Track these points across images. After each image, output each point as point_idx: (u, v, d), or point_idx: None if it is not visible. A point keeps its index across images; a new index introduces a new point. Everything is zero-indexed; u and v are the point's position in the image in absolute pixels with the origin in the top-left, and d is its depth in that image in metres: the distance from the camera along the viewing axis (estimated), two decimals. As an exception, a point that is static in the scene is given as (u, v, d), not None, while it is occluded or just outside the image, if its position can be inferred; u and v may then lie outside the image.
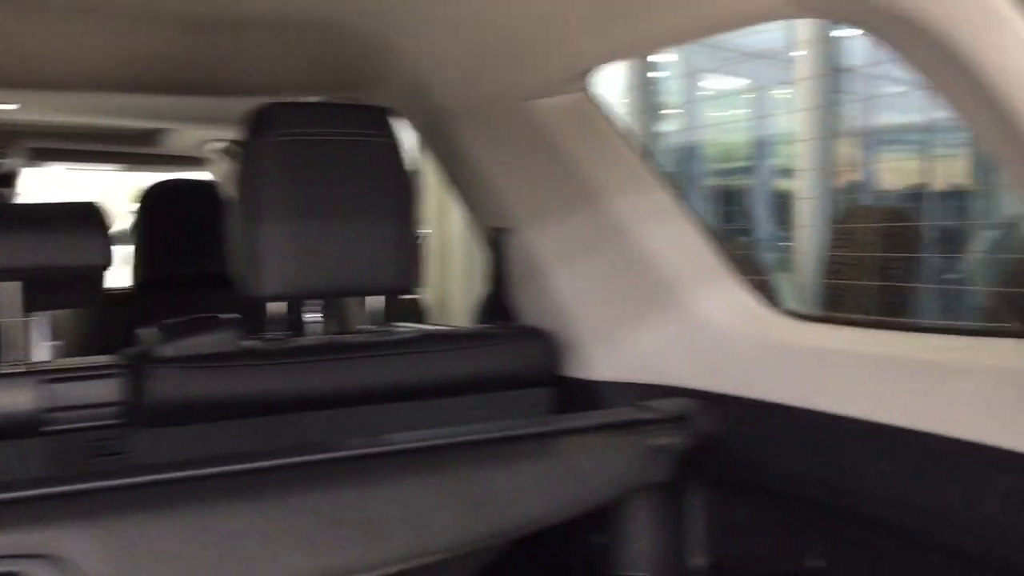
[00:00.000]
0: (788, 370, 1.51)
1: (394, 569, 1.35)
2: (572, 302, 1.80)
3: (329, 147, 1.61)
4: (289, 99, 2.19)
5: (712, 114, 9.59)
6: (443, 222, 6.39)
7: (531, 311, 1.89)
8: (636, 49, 1.61)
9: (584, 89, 1.72)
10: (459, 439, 1.45)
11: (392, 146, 1.66)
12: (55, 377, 1.47)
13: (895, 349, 1.42)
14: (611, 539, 1.72)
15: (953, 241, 6.50)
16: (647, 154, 1.78)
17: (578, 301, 1.80)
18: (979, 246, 6.55)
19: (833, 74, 6.82)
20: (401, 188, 1.66)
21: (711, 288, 1.69)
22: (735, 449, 1.58)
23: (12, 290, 1.52)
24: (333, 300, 1.84)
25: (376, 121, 1.67)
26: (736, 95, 9.55)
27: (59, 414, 1.46)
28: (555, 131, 1.73)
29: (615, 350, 1.76)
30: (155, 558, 1.18)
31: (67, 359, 1.69)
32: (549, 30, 1.50)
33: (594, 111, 1.73)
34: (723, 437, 1.58)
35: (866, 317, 5.39)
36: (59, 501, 1.18)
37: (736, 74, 9.13)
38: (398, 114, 1.93)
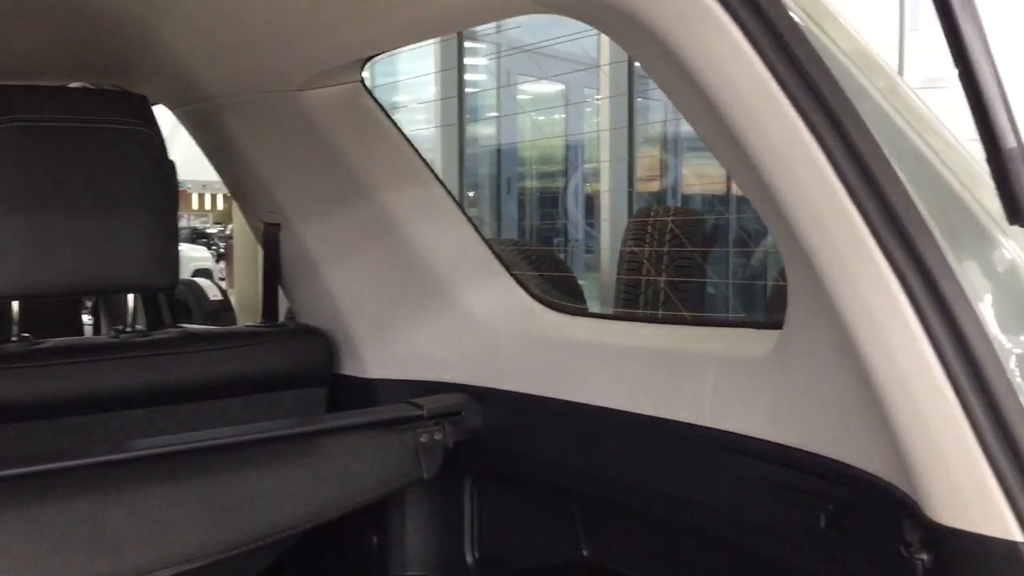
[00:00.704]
0: (549, 363, 1.53)
1: None
2: (346, 299, 1.77)
3: (72, 134, 1.50)
4: (52, 84, 2.05)
5: (530, 118, 9.77)
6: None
7: (307, 309, 1.84)
8: (403, 39, 1.59)
9: (357, 80, 1.68)
10: (212, 442, 1.39)
11: (149, 136, 1.57)
12: None
13: (647, 340, 1.47)
14: (385, 537, 1.70)
15: (746, 240, 6.88)
16: (419, 149, 1.77)
17: (352, 298, 1.76)
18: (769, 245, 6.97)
19: (640, 79, 7.08)
20: (160, 180, 1.57)
21: (481, 284, 1.70)
22: (503, 443, 1.59)
23: None
24: (112, 300, 1.73)
25: (131, 109, 1.58)
26: (552, 100, 9.77)
27: None
28: (326, 123, 1.69)
29: (388, 347, 1.74)
30: None
31: None
32: (319, 16, 1.46)
33: (367, 103, 1.70)
34: (491, 432, 1.59)
35: (627, 311, 5.62)
36: None
37: (552, 79, 9.34)
38: (160, 101, 1.84)
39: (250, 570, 1.68)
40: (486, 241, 1.74)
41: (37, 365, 1.46)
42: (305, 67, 1.63)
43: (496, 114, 9.37)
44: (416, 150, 1.76)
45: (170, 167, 1.62)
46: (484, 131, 9.33)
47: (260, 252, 1.88)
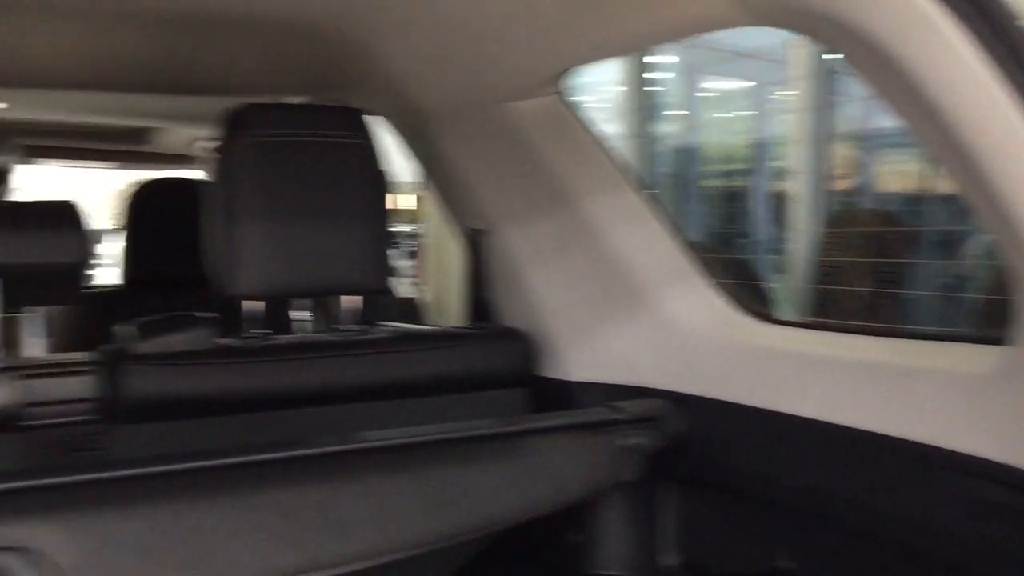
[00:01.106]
0: (755, 373, 1.52)
1: (363, 565, 1.37)
2: (547, 303, 1.82)
3: (303, 148, 1.63)
4: (270, 100, 2.22)
5: (712, 115, 9.60)
6: (441, 221, 6.40)
7: (508, 311, 1.91)
8: (604, 53, 1.63)
9: (558, 92, 1.73)
10: (430, 437, 1.47)
11: (366, 147, 1.68)
12: (34, 373, 1.50)
13: (859, 353, 1.43)
14: (585, 537, 1.74)
15: (949, 246, 6.50)
16: (620, 156, 1.80)
17: (553, 302, 1.82)
18: (976, 251, 6.56)
19: (829, 75, 6.83)
20: (375, 189, 1.68)
21: (682, 290, 1.71)
22: (704, 449, 1.60)
23: None
24: (322, 299, 1.86)
25: (351, 122, 1.69)
26: (736, 96, 9.56)
27: (37, 409, 1.48)
28: (530, 133, 1.75)
29: (588, 351, 1.78)
30: (128, 552, 1.21)
31: (48, 355, 1.71)
32: (521, 33, 1.52)
33: (568, 114, 1.75)
34: (692, 437, 1.60)
35: (834, 321, 5.40)
36: (35, 495, 1.21)
37: (736, 75, 9.14)
38: (376, 114, 1.95)
39: (456, 562, 1.77)
40: (688, 247, 1.75)
41: (271, 360, 1.60)
42: (509, 80, 1.69)
43: (679, 112, 9.27)
44: (615, 158, 1.79)
45: (383, 177, 1.72)
46: (667, 129, 9.25)
47: (451, 253, 1.96)
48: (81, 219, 1.61)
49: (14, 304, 1.62)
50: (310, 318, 1.82)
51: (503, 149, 1.79)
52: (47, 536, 1.17)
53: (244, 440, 1.57)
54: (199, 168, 3.76)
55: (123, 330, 1.59)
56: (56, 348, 2.55)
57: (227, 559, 1.27)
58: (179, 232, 2.63)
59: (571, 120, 1.76)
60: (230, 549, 1.27)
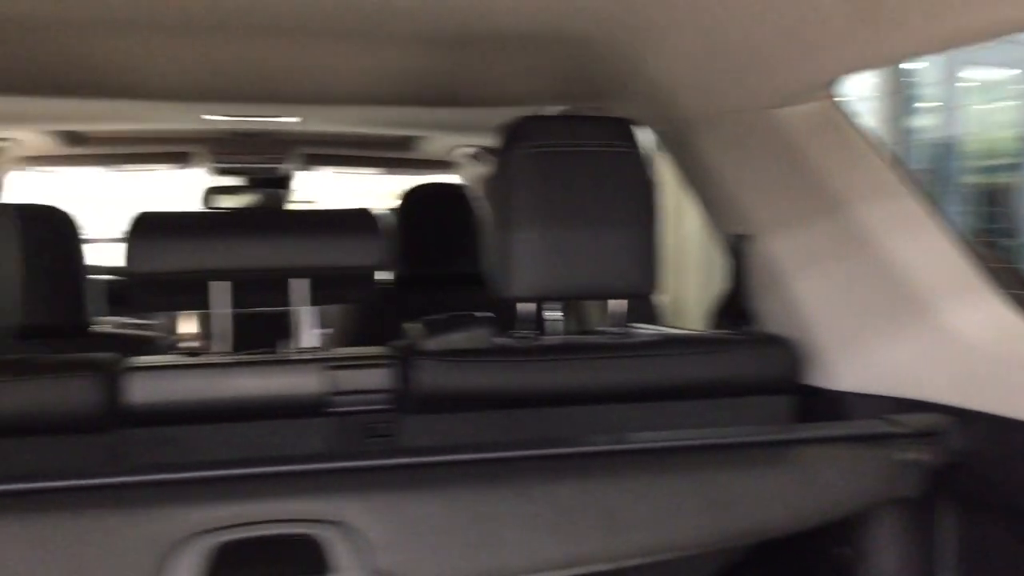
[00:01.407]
0: None
1: (633, 562, 1.41)
2: (815, 311, 1.79)
3: (575, 158, 1.69)
4: (534, 110, 2.31)
5: (972, 106, 8.93)
6: (678, 226, 6.38)
7: (771, 318, 1.89)
8: (883, 59, 1.57)
9: (830, 96, 1.70)
10: (705, 441, 1.49)
11: (635, 156, 1.72)
12: (336, 365, 1.66)
13: None
14: (855, 552, 1.69)
15: None
16: (898, 161, 1.74)
17: (821, 310, 1.78)
18: None
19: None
20: (643, 196, 1.72)
21: (965, 300, 1.63)
22: (989, 468, 1.51)
23: (302, 286, 1.73)
24: (573, 301, 1.94)
25: (620, 132, 1.74)
26: (999, 85, 8.84)
27: (338, 398, 1.64)
28: (799, 139, 1.72)
29: (860, 361, 1.73)
30: (425, 531, 1.32)
31: (345, 349, 1.88)
32: (794, 39, 1.50)
33: (840, 119, 1.71)
34: (976, 455, 1.52)
35: None
36: (349, 475, 1.34)
37: (999, 62, 8.45)
38: (640, 123, 1.99)
39: (720, 568, 1.78)
40: (973, 255, 1.66)
41: (543, 359, 1.68)
42: (779, 86, 1.68)
43: (935, 103, 8.69)
44: (893, 162, 1.73)
45: (652, 184, 1.76)
46: (922, 122, 8.69)
47: (688, 255, 1.96)
48: (377, 226, 1.76)
49: (316, 301, 1.80)
50: (560, 318, 1.89)
51: (770, 155, 1.78)
52: (359, 513, 1.30)
53: (517, 434, 1.66)
54: (456, 173, 3.97)
55: (411, 327, 1.72)
56: (335, 341, 2.80)
57: (505, 546, 1.35)
58: (444, 234, 2.80)
59: (844, 125, 1.72)
60: (508, 537, 1.35)
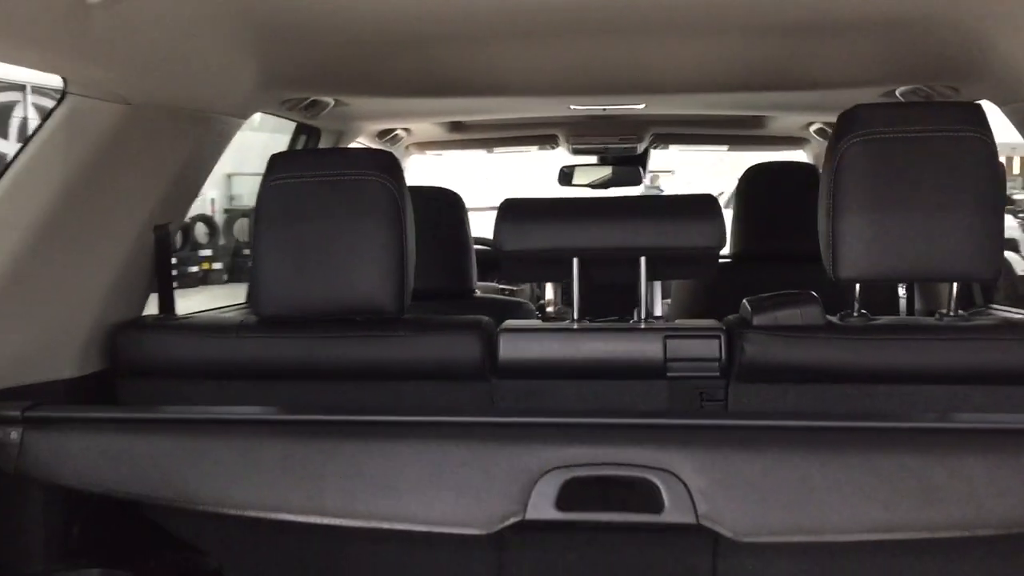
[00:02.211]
0: None
1: (945, 535, 1.47)
2: None
3: (909, 143, 1.73)
4: (878, 90, 2.32)
5: None
6: None
7: None
8: None
9: None
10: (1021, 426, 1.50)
11: (980, 140, 1.72)
12: (675, 335, 1.85)
13: None
14: None
15: None
16: None
17: None
18: None
19: None
20: (988, 180, 1.72)
21: None
22: None
23: (649, 264, 1.94)
24: (928, 284, 1.95)
25: (965, 117, 1.75)
26: None
27: (675, 363, 1.84)
28: None
29: None
30: (744, 486, 1.48)
31: (683, 320, 2.07)
32: None
33: None
34: None
35: None
36: (679, 432, 1.54)
37: None
38: (994, 102, 1.96)
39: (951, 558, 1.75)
40: None
41: (872, 339, 1.75)
42: None
43: None
44: None
45: (998, 167, 1.74)
46: None
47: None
48: (719, 210, 1.92)
49: (654, 277, 2.00)
50: (903, 296, 1.92)
51: None
52: (683, 464, 1.49)
53: (837, 407, 1.75)
54: (803, 149, 3.97)
55: (746, 302, 1.87)
56: (675, 313, 2.99)
57: (820, 507, 1.47)
58: (783, 212, 2.87)
59: None
60: (827, 500, 1.47)
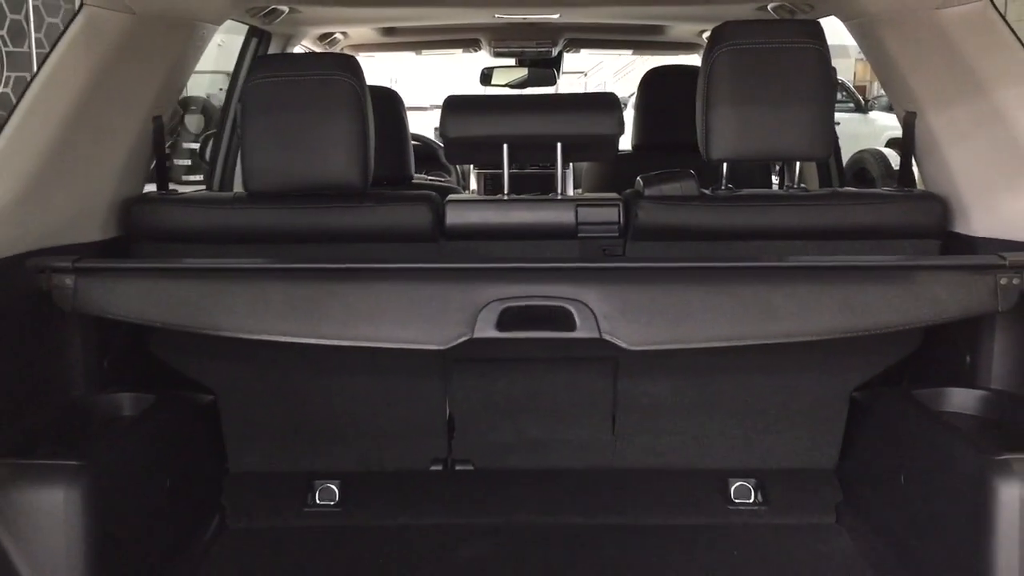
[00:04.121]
0: None
1: (780, 341, 2.04)
2: (961, 172, 2.25)
3: (764, 53, 2.24)
4: (757, 5, 2.82)
5: None
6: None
7: (930, 178, 2.37)
8: None
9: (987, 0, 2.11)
10: (844, 263, 2.08)
11: (817, 51, 2.24)
12: (584, 204, 2.36)
13: None
14: (974, 354, 2.21)
15: None
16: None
17: (966, 171, 2.24)
18: None
19: None
20: (821, 83, 2.24)
21: None
22: None
23: (562, 148, 2.43)
24: (792, 166, 2.48)
25: (806, 32, 2.26)
26: None
27: (585, 227, 2.34)
28: (957, 36, 2.16)
29: (995, 214, 2.19)
30: (636, 311, 2.01)
31: (590, 194, 2.58)
32: None
33: (993, 18, 2.12)
34: None
35: None
36: (588, 273, 2.05)
37: None
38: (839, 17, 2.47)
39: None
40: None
41: (735, 205, 2.29)
42: None
43: None
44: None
45: (831, 71, 2.27)
46: None
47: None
48: (618, 103, 2.42)
49: (567, 159, 2.50)
50: (775, 180, 2.46)
51: (934, 47, 2.22)
52: (590, 295, 2.01)
53: (710, 258, 2.29)
54: (699, 55, 4.48)
55: (639, 179, 2.38)
56: (584, 190, 3.51)
57: (694, 325, 2.02)
58: (677, 109, 3.39)
59: (996, 23, 2.13)
60: (697, 319, 2.02)
